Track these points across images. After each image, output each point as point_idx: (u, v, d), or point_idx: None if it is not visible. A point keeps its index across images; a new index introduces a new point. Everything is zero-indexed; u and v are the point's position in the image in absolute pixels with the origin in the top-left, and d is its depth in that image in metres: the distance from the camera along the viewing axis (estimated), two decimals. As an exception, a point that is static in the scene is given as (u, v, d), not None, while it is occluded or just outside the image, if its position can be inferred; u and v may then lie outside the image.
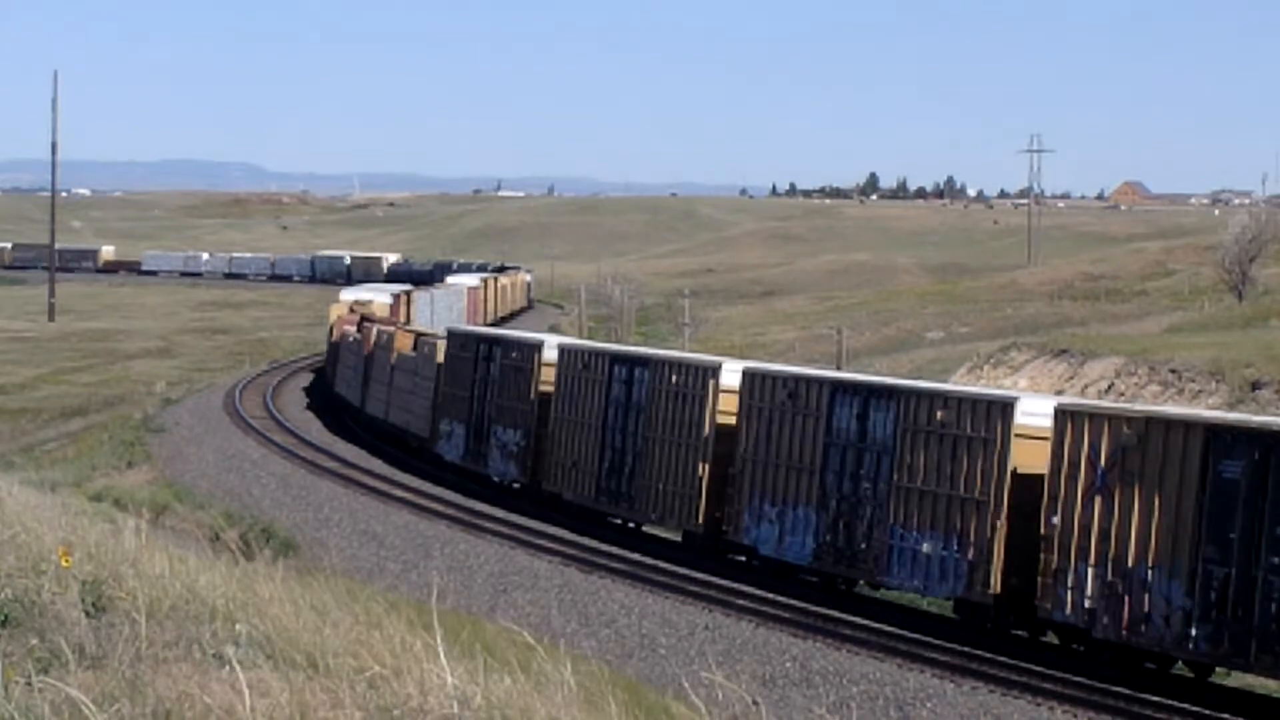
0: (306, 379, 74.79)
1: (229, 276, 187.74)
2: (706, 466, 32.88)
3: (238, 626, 9.95)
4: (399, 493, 42.86)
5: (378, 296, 79.86)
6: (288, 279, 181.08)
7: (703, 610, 29.04)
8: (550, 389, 39.03)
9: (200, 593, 11.29)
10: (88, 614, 9.84)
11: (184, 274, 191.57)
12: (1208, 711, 22.45)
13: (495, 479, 42.59)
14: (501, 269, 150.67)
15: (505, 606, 29.42)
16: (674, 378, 34.44)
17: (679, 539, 35.20)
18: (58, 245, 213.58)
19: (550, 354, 39.78)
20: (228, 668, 8.82)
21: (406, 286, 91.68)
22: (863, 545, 29.02)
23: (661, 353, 40.37)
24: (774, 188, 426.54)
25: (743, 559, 32.51)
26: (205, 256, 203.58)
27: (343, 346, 64.85)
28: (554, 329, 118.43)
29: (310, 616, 10.63)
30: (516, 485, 41.62)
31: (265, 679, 8.39)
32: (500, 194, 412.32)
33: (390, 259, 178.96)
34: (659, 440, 34.55)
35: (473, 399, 43.42)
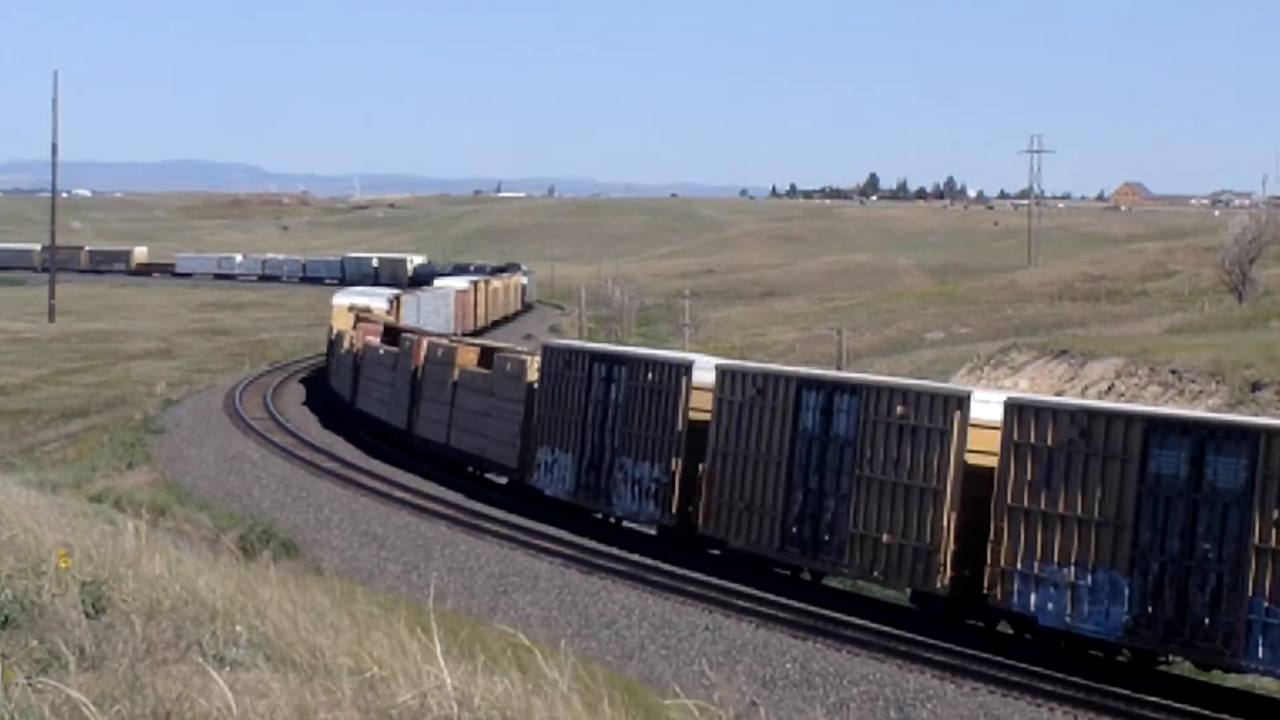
0: (309, 381, 74.58)
1: (263, 279, 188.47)
2: (954, 516, 27.18)
3: (237, 628, 9.96)
4: (399, 494, 42.85)
5: (374, 301, 77.80)
6: (319, 281, 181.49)
7: (703, 611, 29.01)
8: (704, 417, 33.30)
9: (200, 594, 11.30)
10: (87, 615, 9.86)
11: (218, 275, 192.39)
12: (1207, 712, 22.44)
13: (621, 518, 37.12)
14: (509, 267, 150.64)
15: (506, 608, 29.42)
16: (898, 407, 28.50)
17: (895, 598, 30.01)
18: (89, 247, 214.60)
19: (704, 376, 33.96)
20: (227, 669, 8.84)
21: (395, 290, 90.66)
22: (1205, 620, 23.56)
23: (876, 378, 34.17)
24: (774, 188, 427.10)
25: (980, 624, 27.51)
26: (239, 258, 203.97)
27: (367, 359, 57.94)
28: (554, 330, 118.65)
29: (310, 618, 10.64)
30: (654, 527, 35.87)
31: (264, 680, 8.41)
32: (500, 195, 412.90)
33: (415, 260, 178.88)
34: (876, 482, 28.65)
35: (585, 426, 37.61)
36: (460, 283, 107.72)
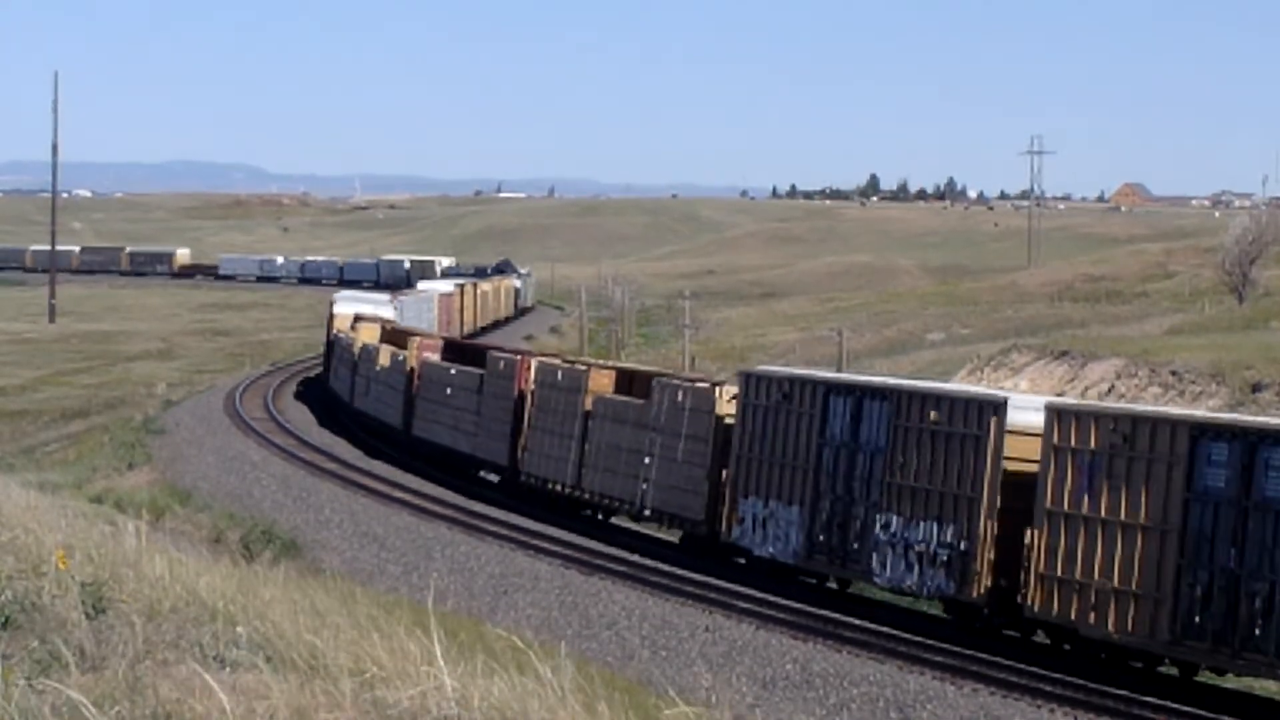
0: (311, 384, 74.44)
1: (302, 281, 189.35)
2: None
3: (238, 629, 9.99)
4: (400, 494, 42.86)
5: (380, 309, 76.51)
6: (357, 284, 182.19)
7: (703, 612, 29.02)
8: (1026, 468, 26.83)
9: (200, 594, 11.33)
10: (88, 616, 9.88)
11: (260, 278, 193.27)
12: (1204, 713, 22.45)
13: (884, 587, 30.27)
14: (503, 267, 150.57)
15: (506, 608, 29.44)
16: None
17: None
18: (130, 248, 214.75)
19: (1024, 417, 27.64)
20: (227, 669, 8.86)
21: (386, 295, 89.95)
22: None
23: None
24: (774, 189, 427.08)
25: None
26: (280, 260, 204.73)
27: (429, 379, 50.43)
28: (554, 330, 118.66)
29: (310, 618, 10.66)
30: (943, 603, 29.11)
31: (264, 681, 8.43)
32: (501, 195, 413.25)
33: (444, 262, 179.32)
34: None
35: (819, 473, 31.09)
36: (445, 286, 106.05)
